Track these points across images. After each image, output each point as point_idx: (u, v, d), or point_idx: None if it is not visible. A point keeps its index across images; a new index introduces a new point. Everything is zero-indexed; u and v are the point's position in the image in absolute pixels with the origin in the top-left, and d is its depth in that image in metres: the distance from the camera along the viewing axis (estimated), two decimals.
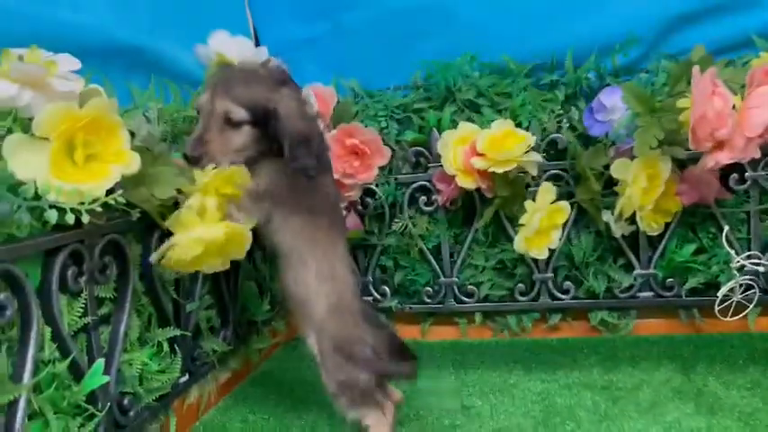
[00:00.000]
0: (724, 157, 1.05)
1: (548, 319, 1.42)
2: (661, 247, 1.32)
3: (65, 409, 0.76)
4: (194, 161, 0.88)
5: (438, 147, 1.31)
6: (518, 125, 1.30)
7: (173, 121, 1.04)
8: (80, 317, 0.79)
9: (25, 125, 0.71)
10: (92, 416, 0.79)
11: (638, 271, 1.34)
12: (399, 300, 1.46)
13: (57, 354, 0.76)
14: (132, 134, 0.85)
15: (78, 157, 0.73)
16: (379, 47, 1.45)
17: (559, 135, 1.31)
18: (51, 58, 0.73)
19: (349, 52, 1.48)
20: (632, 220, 1.26)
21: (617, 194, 1.24)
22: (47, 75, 0.71)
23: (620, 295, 1.35)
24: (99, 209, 0.72)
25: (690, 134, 1.04)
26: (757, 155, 1.06)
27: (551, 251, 1.32)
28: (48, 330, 0.74)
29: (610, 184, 1.26)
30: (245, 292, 1.26)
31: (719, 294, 1.24)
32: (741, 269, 1.25)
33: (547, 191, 1.27)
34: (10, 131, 0.70)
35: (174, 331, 0.98)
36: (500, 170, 1.23)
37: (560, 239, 1.32)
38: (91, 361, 0.81)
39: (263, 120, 0.89)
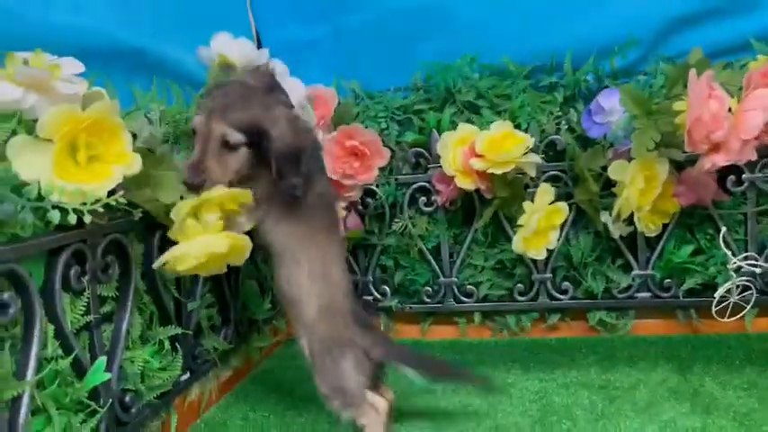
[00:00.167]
0: (720, 160, 1.06)
1: (546, 318, 1.43)
2: (659, 248, 1.33)
3: (67, 405, 0.78)
4: (194, 189, 0.88)
5: (438, 148, 1.32)
6: (517, 127, 1.31)
7: (175, 122, 1.04)
8: (82, 315, 0.81)
9: (29, 127, 0.72)
10: (94, 412, 0.81)
11: (636, 272, 1.35)
12: (399, 299, 1.48)
13: (59, 351, 0.77)
14: (134, 135, 0.87)
15: (81, 158, 0.74)
16: (380, 49, 1.46)
17: (558, 137, 1.32)
18: (55, 61, 0.75)
19: (350, 54, 1.49)
20: (630, 221, 1.27)
21: (615, 195, 1.24)
22: (51, 78, 0.72)
23: (619, 296, 1.36)
24: (101, 209, 0.73)
25: (686, 136, 1.05)
26: (753, 157, 1.07)
27: (550, 251, 1.33)
28: (51, 328, 0.76)
29: (608, 186, 1.27)
30: (246, 290, 1.27)
31: (717, 295, 1.25)
32: (738, 270, 1.25)
33: (545, 192, 1.28)
34: (14, 133, 0.71)
35: (175, 329, 1.00)
36: (499, 171, 1.24)
37: (559, 240, 1.33)
38: (93, 358, 0.83)
39: (258, 140, 0.89)
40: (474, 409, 1.10)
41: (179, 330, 1.00)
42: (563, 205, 1.29)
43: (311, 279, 0.97)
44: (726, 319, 1.26)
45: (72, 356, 0.78)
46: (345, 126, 1.36)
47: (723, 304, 1.26)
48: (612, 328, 1.40)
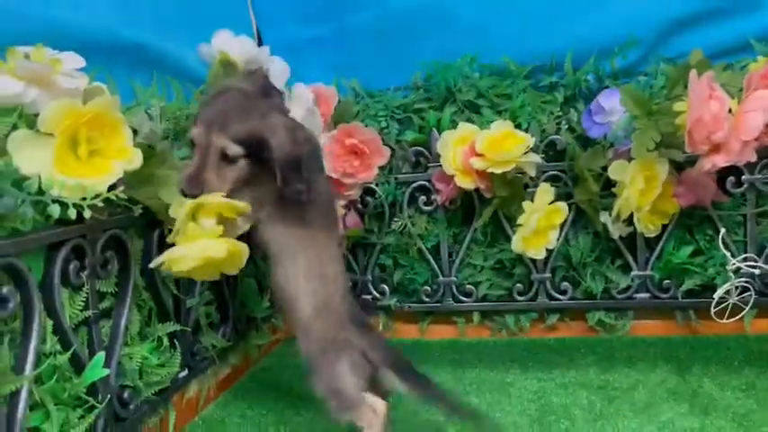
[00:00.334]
0: (720, 160, 1.06)
1: (545, 319, 1.44)
2: (658, 248, 1.33)
3: (65, 400, 0.78)
4: (191, 198, 0.87)
5: (438, 147, 1.32)
6: (517, 126, 1.31)
7: (175, 118, 1.04)
8: (81, 310, 0.81)
9: (30, 121, 0.72)
10: (92, 408, 0.81)
11: (635, 272, 1.35)
12: (398, 298, 1.47)
13: (58, 346, 0.77)
14: (135, 131, 0.87)
15: (82, 153, 0.74)
16: (381, 47, 1.46)
17: (558, 136, 1.32)
18: (56, 56, 0.74)
19: (350, 53, 1.49)
20: (630, 221, 1.27)
21: (615, 196, 1.24)
22: (52, 72, 0.72)
23: (618, 296, 1.36)
24: (101, 204, 0.73)
25: (686, 137, 1.05)
26: (753, 158, 1.07)
27: (549, 251, 1.33)
28: (49, 323, 0.75)
29: (608, 186, 1.27)
30: (245, 288, 1.27)
31: (716, 296, 1.25)
32: (737, 272, 1.25)
33: (545, 191, 1.28)
34: (15, 127, 0.71)
35: (174, 326, 0.99)
36: (499, 171, 1.24)
37: (558, 240, 1.33)
38: (92, 354, 0.82)
39: (258, 150, 0.89)
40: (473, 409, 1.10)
41: (177, 327, 1.00)
42: (563, 205, 1.29)
43: (307, 279, 0.96)
44: (725, 321, 1.26)
45: (70, 351, 0.77)
46: (345, 124, 1.36)
47: (722, 305, 1.26)
48: (611, 328, 1.41)
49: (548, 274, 1.38)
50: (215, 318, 1.17)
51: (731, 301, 1.26)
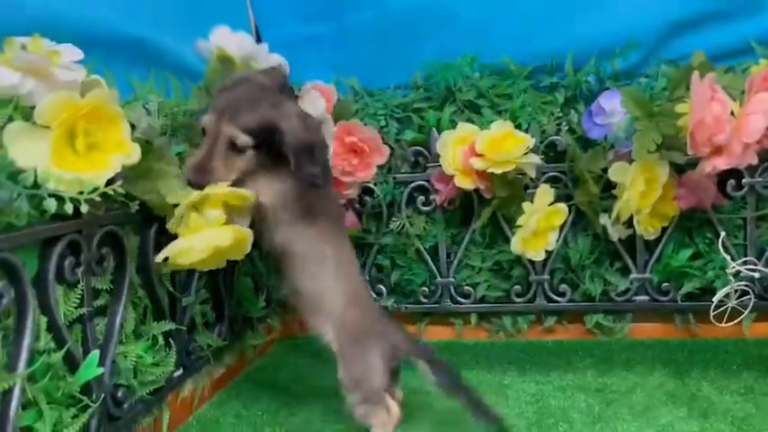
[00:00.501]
0: (721, 163, 1.06)
1: (543, 321, 1.43)
2: (657, 251, 1.32)
3: (59, 399, 0.76)
4: (197, 187, 0.88)
5: (437, 147, 1.31)
6: (517, 127, 1.30)
7: (173, 114, 1.03)
8: (76, 307, 0.79)
9: (27, 113, 0.70)
10: (85, 407, 0.79)
11: (634, 275, 1.34)
12: (395, 299, 1.46)
13: (52, 344, 0.75)
14: (132, 126, 0.85)
15: (79, 146, 0.72)
16: (380, 46, 1.45)
17: (558, 137, 1.32)
18: (54, 47, 0.73)
19: (350, 51, 1.48)
20: (629, 223, 1.26)
21: (615, 198, 1.24)
22: (49, 64, 0.71)
23: (616, 299, 1.36)
24: (98, 199, 0.72)
25: (688, 139, 1.05)
26: (755, 161, 1.07)
27: (548, 253, 1.32)
28: (43, 320, 0.74)
29: (608, 188, 1.27)
30: (241, 287, 1.26)
31: (715, 300, 1.24)
32: (737, 275, 1.25)
33: (545, 193, 1.27)
34: (11, 119, 0.69)
35: (169, 325, 0.98)
36: (498, 171, 1.23)
37: (557, 242, 1.32)
38: (86, 352, 0.81)
39: (269, 138, 0.90)
40: None
41: (173, 326, 0.99)
42: (562, 206, 1.29)
43: (337, 276, 0.97)
44: (723, 324, 1.26)
45: (64, 349, 0.76)
46: (345, 122, 1.35)
47: (721, 309, 1.25)
48: (610, 331, 1.40)
49: (546, 276, 1.37)
50: (210, 317, 1.16)
51: (730, 304, 1.25)
